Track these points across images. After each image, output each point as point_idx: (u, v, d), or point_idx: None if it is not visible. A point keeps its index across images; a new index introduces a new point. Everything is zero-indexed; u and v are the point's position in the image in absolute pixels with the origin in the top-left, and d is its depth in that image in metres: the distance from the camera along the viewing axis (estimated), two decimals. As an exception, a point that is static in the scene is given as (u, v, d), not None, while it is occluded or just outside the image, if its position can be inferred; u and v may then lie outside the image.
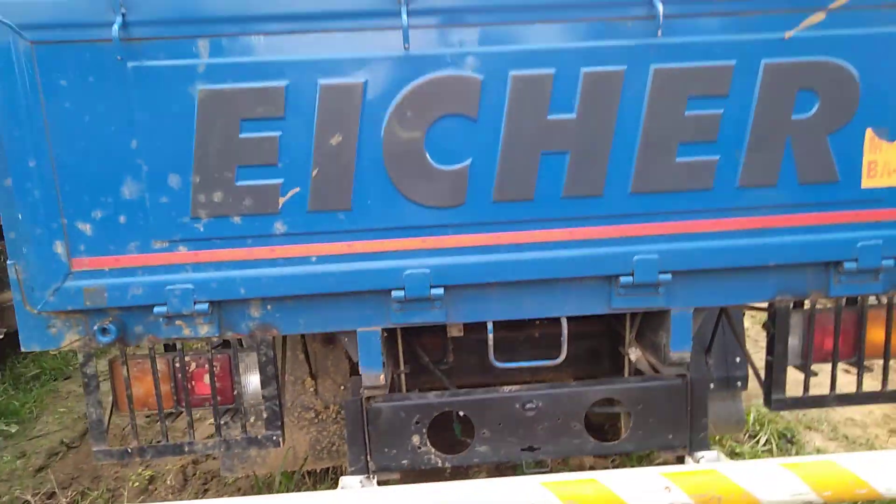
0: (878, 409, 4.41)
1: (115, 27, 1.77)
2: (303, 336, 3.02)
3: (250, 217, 1.94)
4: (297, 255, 1.98)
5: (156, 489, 3.96)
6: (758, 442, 4.13)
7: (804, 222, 2.05)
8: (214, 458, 4.14)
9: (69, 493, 3.89)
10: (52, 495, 3.89)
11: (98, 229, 1.91)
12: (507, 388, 2.23)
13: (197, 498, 3.84)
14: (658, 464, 2.48)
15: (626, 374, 2.62)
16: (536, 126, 1.95)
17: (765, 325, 2.32)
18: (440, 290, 2.01)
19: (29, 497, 3.81)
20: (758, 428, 4.27)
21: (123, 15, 1.78)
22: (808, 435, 4.32)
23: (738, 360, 3.00)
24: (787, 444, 4.20)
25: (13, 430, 4.66)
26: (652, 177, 2.00)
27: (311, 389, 3.22)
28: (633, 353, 2.51)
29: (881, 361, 2.32)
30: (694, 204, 2.03)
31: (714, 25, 1.94)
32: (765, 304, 2.39)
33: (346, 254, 1.99)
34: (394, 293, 2.00)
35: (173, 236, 1.94)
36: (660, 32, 1.87)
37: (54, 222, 1.89)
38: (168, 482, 4.01)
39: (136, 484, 4.00)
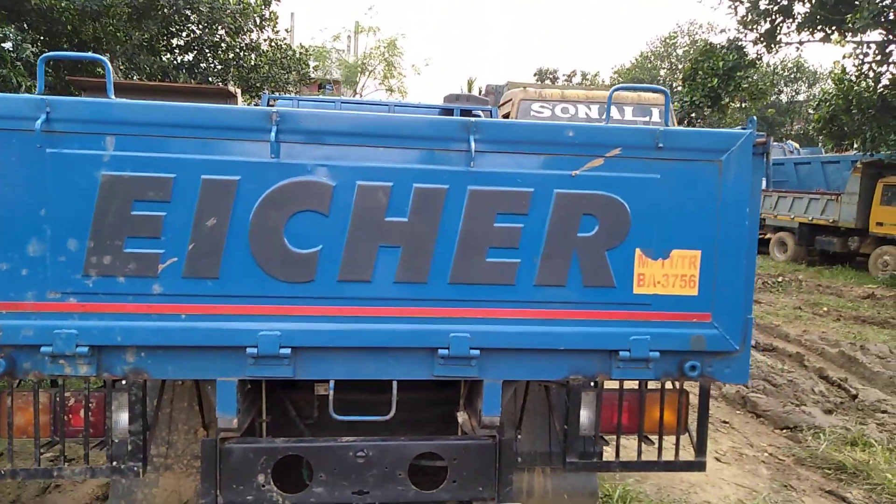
0: (733, 495, 4.86)
1: (39, 122, 2.24)
2: (198, 389, 3.37)
3: (133, 278, 2.37)
4: (170, 312, 2.40)
5: (44, 531, 4.12)
6: (617, 521, 4.51)
7: (587, 316, 2.57)
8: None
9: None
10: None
11: (2, 278, 2.32)
12: (343, 439, 2.63)
13: (82, 540, 4.01)
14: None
15: (458, 433, 3.04)
16: (376, 224, 2.45)
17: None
18: (288, 350, 2.44)
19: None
20: (622, 504, 4.66)
21: (48, 113, 2.27)
22: (669, 516, 4.72)
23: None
24: (645, 523, 4.58)
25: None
26: (466, 271, 2.50)
27: (202, 439, 3.52)
28: (461, 417, 2.95)
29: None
30: (499, 295, 2.53)
31: (518, 161, 2.51)
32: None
33: (211, 314, 2.42)
34: (248, 349, 2.42)
35: (66, 289, 2.35)
36: (472, 164, 2.43)
37: (-35, 270, 2.29)
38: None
39: (26, 524, 4.16)
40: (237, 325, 2.43)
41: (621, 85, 2.84)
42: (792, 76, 39.76)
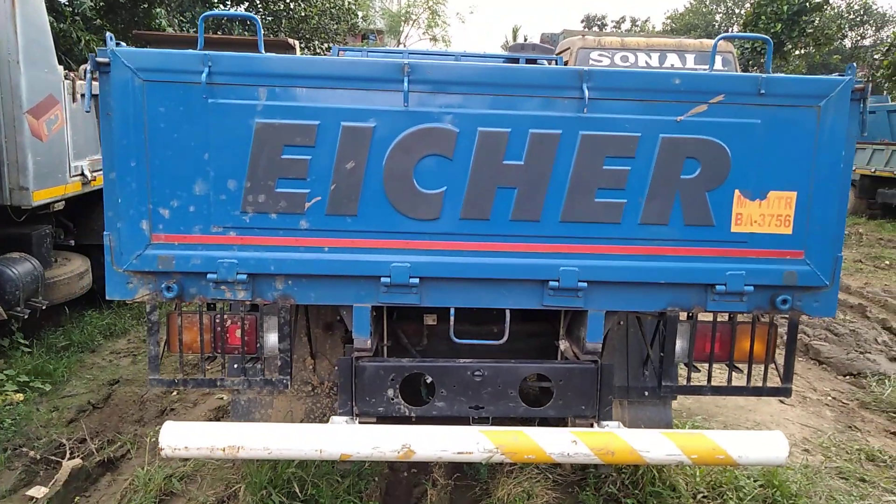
0: (798, 433, 5.08)
1: (203, 75, 2.54)
2: (307, 322, 3.75)
3: (283, 214, 2.69)
4: (315, 245, 2.72)
5: (169, 445, 4.64)
6: (687, 450, 4.80)
7: (687, 252, 2.79)
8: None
9: (96, 441, 4.57)
10: (83, 441, 4.57)
11: (173, 214, 2.66)
12: (461, 360, 2.95)
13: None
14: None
15: (558, 358, 3.34)
16: (494, 167, 2.70)
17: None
18: (416, 280, 2.74)
19: (64, 440, 4.50)
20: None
21: (209, 67, 2.56)
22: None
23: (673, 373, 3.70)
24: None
25: (47, 389, 5.36)
26: (576, 210, 2.74)
27: (311, 367, 3.92)
28: (563, 344, 3.23)
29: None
30: (606, 232, 2.77)
31: (626, 107, 2.70)
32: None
33: (350, 247, 2.74)
34: (382, 279, 2.74)
35: (227, 223, 2.68)
36: (585, 110, 2.64)
37: (143, 206, 2.64)
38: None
39: (153, 438, 4.69)
40: (372, 257, 2.73)
41: (726, 34, 2.98)
42: (858, 19, 37.72)
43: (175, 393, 5.45)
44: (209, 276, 2.69)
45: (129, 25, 15.53)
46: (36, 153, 5.22)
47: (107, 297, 2.77)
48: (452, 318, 2.89)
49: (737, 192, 2.75)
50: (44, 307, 5.66)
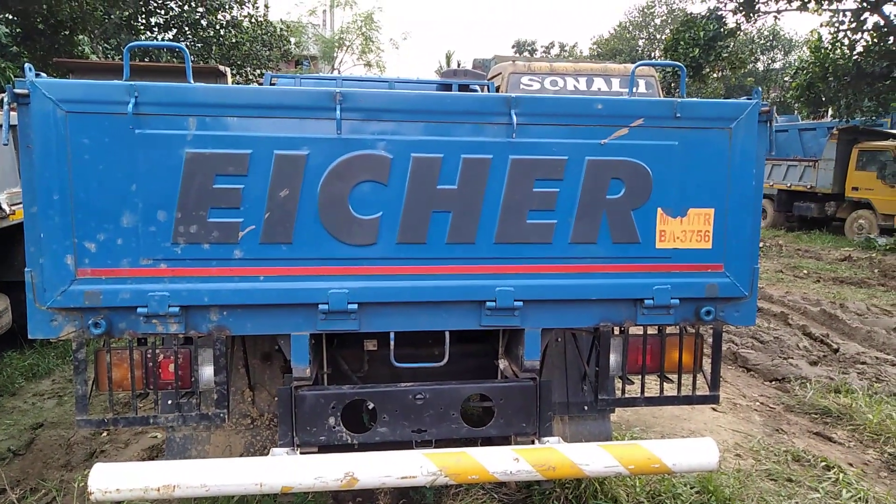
0: (730, 439, 5.29)
1: (130, 105, 2.50)
2: (244, 353, 3.68)
3: (216, 244, 2.65)
4: (250, 274, 2.69)
5: (99, 489, 4.41)
6: (627, 461, 4.93)
7: (616, 269, 2.91)
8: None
9: (17, 491, 4.31)
10: (1, 491, 4.29)
11: (100, 247, 2.58)
12: (401, 384, 2.96)
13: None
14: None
15: (497, 377, 3.39)
16: (429, 192, 2.75)
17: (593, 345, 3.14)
18: (355, 306, 2.75)
19: (-20, 493, 4.21)
20: (630, 451, 5.08)
21: (136, 97, 2.52)
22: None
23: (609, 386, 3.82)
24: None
25: (-37, 435, 5.02)
26: (509, 232, 2.82)
27: (249, 399, 3.83)
28: (502, 363, 3.29)
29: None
30: (539, 252, 2.85)
31: (553, 132, 2.81)
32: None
33: (286, 275, 2.72)
34: (320, 306, 2.73)
35: (157, 256, 2.62)
36: (514, 135, 2.73)
37: (67, 241, 2.55)
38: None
39: (82, 483, 4.45)
40: (310, 284, 2.72)
41: (644, 62, 3.15)
42: (768, 44, 40.29)
43: (105, 434, 5.21)
44: (139, 310, 2.62)
45: (50, 53, 14.96)
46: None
47: (29, 337, 2.65)
48: (393, 343, 2.90)
49: (659, 210, 2.89)
50: None
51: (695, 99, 2.96)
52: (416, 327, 2.88)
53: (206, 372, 2.86)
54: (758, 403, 6.10)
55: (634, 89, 9.31)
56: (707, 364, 3.22)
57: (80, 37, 15.71)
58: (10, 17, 14.70)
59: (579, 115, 2.81)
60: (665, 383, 3.16)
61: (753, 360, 7.05)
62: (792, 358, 7.16)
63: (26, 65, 2.51)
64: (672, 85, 20.28)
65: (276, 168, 2.64)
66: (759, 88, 3.00)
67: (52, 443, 5.07)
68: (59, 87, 2.49)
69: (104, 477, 2.61)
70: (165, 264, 2.64)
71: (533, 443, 3.03)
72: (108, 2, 16.02)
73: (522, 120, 2.75)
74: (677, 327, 3.10)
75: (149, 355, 2.80)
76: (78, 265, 2.58)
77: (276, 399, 3.85)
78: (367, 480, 2.73)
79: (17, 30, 15.08)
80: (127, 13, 17.18)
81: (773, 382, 6.62)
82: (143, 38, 18.82)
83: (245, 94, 2.63)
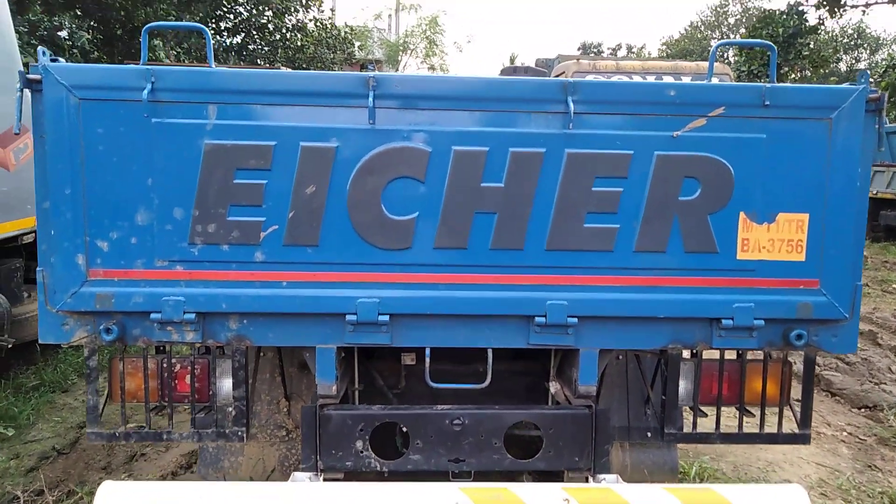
0: (814, 474, 4.73)
1: (145, 92, 2.28)
2: (280, 361, 3.45)
3: (236, 246, 2.40)
4: (272, 280, 2.44)
5: (135, 494, 4.29)
6: (694, 494, 4.43)
7: (688, 283, 2.50)
8: (193, 472, 4.49)
9: (55, 493, 4.23)
10: (40, 493, 4.22)
11: (113, 247, 2.38)
12: (439, 406, 2.64)
13: None
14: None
15: (549, 403, 3.02)
16: (472, 190, 2.42)
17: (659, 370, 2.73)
18: (386, 317, 2.45)
19: (19, 493, 4.15)
20: (698, 482, 4.58)
21: (153, 83, 2.30)
22: (745, 492, 4.62)
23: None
24: (723, 498, 4.50)
25: (10, 434, 5.02)
26: (563, 237, 2.46)
27: (285, 410, 3.61)
28: (553, 387, 2.92)
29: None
30: (597, 262, 2.48)
31: (617, 122, 2.44)
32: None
33: (311, 281, 2.45)
34: (348, 317, 2.44)
35: (173, 257, 2.40)
36: (570, 126, 2.37)
37: (79, 239, 2.36)
38: (150, 488, 4.34)
39: (117, 489, 4.34)
40: (337, 292, 2.44)
41: (725, 41, 2.73)
42: (852, 42, 37.94)
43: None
44: (153, 315, 2.40)
45: (127, 56, 15.49)
46: (1, 183, 4.96)
47: (40, 341, 2.48)
48: (428, 360, 2.58)
49: (742, 214, 2.47)
50: (9, 346, 5.34)
51: (788, 84, 2.52)
52: (455, 343, 2.56)
53: (225, 385, 2.62)
54: (845, 433, 5.46)
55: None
56: (796, 396, 2.75)
57: (155, 42, 16.21)
58: (92, 23, 15.32)
59: (648, 102, 2.43)
60: (745, 417, 2.71)
61: (839, 384, 6.38)
62: (884, 383, 6.44)
63: (39, 48, 2.33)
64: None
65: (301, 162, 2.37)
66: (868, 72, 2.53)
67: (96, 443, 5.00)
68: (73, 71, 2.30)
69: (111, 498, 2.40)
70: (181, 266, 2.41)
71: (587, 480, 2.65)
72: (181, 8, 16.50)
73: (581, 108, 2.39)
74: (761, 353, 2.66)
75: (164, 365, 2.58)
76: (90, 265, 2.38)
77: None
78: (397, 515, 2.42)
79: (98, 36, 15.71)
80: (198, 17, 17.62)
81: (863, 410, 5.94)
82: (214, 42, 19.31)
83: (269, 80, 2.37)
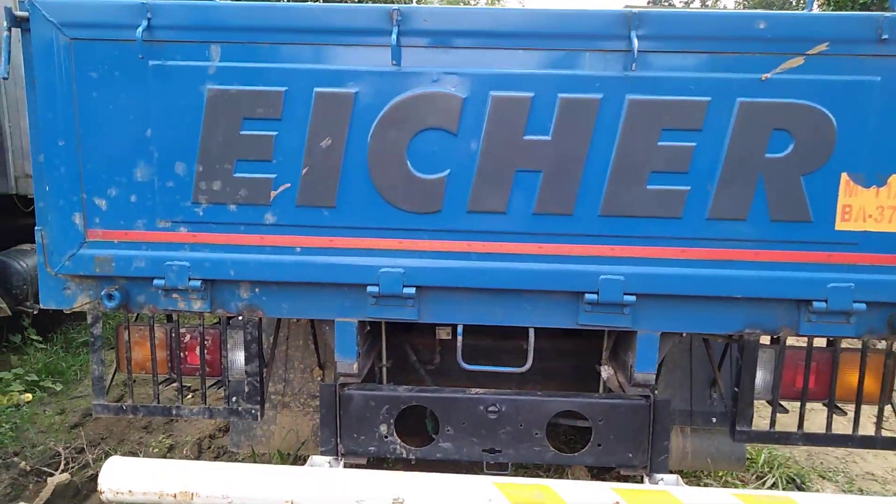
0: (902, 467, 4.23)
1: (140, 30, 2.00)
2: (313, 327, 3.22)
3: (244, 206, 2.13)
4: (284, 245, 2.16)
5: (172, 457, 4.24)
6: (763, 484, 4.03)
7: (774, 258, 2.08)
8: (226, 433, 4.40)
9: (96, 451, 4.21)
10: (81, 451, 4.22)
11: (112, 205, 2.15)
12: (472, 390, 2.33)
13: (206, 469, 4.09)
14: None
15: (599, 391, 2.67)
16: (512, 144, 2.06)
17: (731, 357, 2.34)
18: (412, 290, 2.14)
19: (60, 449, 4.15)
20: (767, 470, 4.17)
21: (149, 19, 2.02)
22: (821, 484, 4.18)
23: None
24: (796, 490, 4.08)
25: (58, 388, 5.07)
26: (622, 201, 2.07)
27: (319, 379, 3.40)
28: (605, 371, 2.57)
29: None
30: (662, 230, 2.09)
31: (691, 63, 2.01)
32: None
33: (327, 247, 2.16)
34: (369, 288, 2.15)
35: (175, 217, 2.15)
36: (633, 66, 1.96)
37: (75, 196, 2.14)
38: (185, 452, 4.28)
39: (156, 450, 4.30)
40: (356, 260, 2.15)
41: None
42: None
43: (189, 395, 5.07)
44: (156, 282, 2.17)
45: None
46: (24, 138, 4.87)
47: (41, 306, 2.30)
48: (460, 339, 2.28)
49: (844, 176, 2.02)
50: (35, 311, 5.34)
51: (913, 12, 2.01)
52: (491, 321, 2.24)
53: (238, 359, 2.40)
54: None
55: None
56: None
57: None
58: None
59: (731, 37, 1.99)
60: (834, 415, 2.30)
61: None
62: None
63: (29, -19, 2.07)
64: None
65: (316, 110, 2.06)
66: None
67: (139, 401, 4.96)
68: (62, 7, 2.04)
69: (117, 475, 2.23)
70: (185, 228, 2.16)
71: (641, 480, 2.31)
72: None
73: (647, 45, 1.97)
74: (859, 341, 2.22)
75: (173, 335, 2.37)
76: (87, 225, 2.17)
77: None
78: (421, 509, 2.16)
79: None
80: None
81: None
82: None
83: (279, 14, 2.05)
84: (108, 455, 4.16)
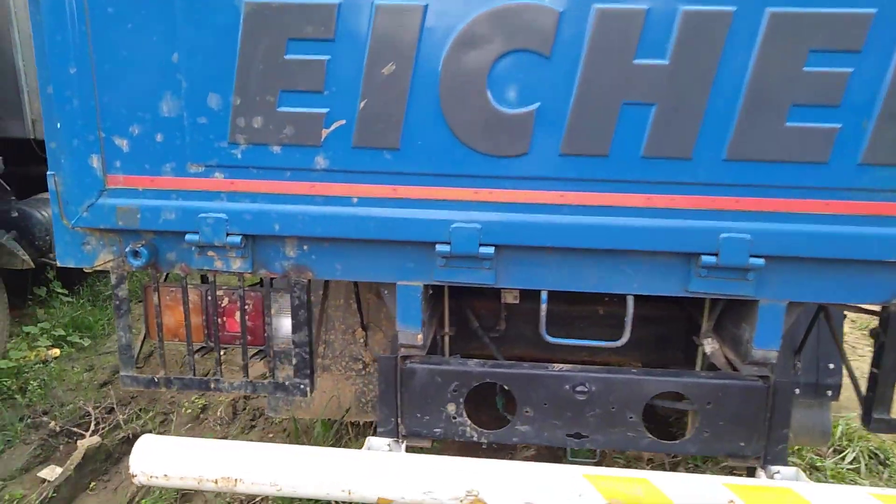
0: None
1: (161, -74, 1.62)
2: (356, 285, 2.91)
3: (290, 147, 1.78)
4: (337, 195, 1.81)
5: (206, 419, 4.03)
6: (843, 458, 3.70)
7: (942, 214, 1.68)
8: (264, 396, 4.17)
9: (126, 411, 4.02)
10: (111, 410, 4.03)
11: (134, 146, 1.81)
12: (557, 367, 2.00)
13: (243, 433, 3.88)
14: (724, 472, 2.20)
15: (698, 368, 2.32)
16: (619, 71, 1.66)
17: (872, 332, 1.96)
18: (490, 249, 1.79)
19: (90, 409, 3.96)
20: (846, 443, 3.83)
21: (171, -89, 1.63)
22: (907, 459, 3.85)
23: (831, 366, 2.62)
24: (879, 466, 3.74)
25: (86, 344, 4.87)
26: (754, 142, 1.67)
27: (362, 341, 3.11)
28: (709, 346, 2.21)
29: None
30: (803, 179, 1.69)
31: (855, -39, 1.57)
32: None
33: (389, 198, 1.80)
34: (438, 247, 1.80)
35: (209, 161, 1.81)
36: (783, -35, 1.53)
37: (91, 134, 1.80)
38: (218, 413, 4.07)
39: (189, 411, 4.09)
40: (424, 213, 1.80)
41: None
42: None
43: (224, 353, 4.84)
44: (189, 237, 1.85)
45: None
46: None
47: (58, 264, 2.00)
48: (545, 309, 1.93)
49: None
50: (58, 262, 5.11)
51: None
52: (583, 287, 1.88)
53: (283, 325, 2.08)
54: None
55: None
56: None
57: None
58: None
59: None
60: None
61: None
62: None
63: None
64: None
65: (376, 29, 1.68)
66: None
67: (171, 357, 4.75)
68: None
69: (150, 456, 1.96)
70: (221, 173, 1.82)
71: (754, 472, 1.98)
72: None
73: (801, -61, 1.54)
74: None
75: (209, 298, 2.06)
76: (107, 170, 1.83)
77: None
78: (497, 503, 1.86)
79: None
80: None
81: None
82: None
83: None
84: (138, 416, 3.97)
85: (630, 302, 1.91)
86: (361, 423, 3.64)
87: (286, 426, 3.94)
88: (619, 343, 1.95)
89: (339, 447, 3.38)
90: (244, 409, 4.16)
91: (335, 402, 3.16)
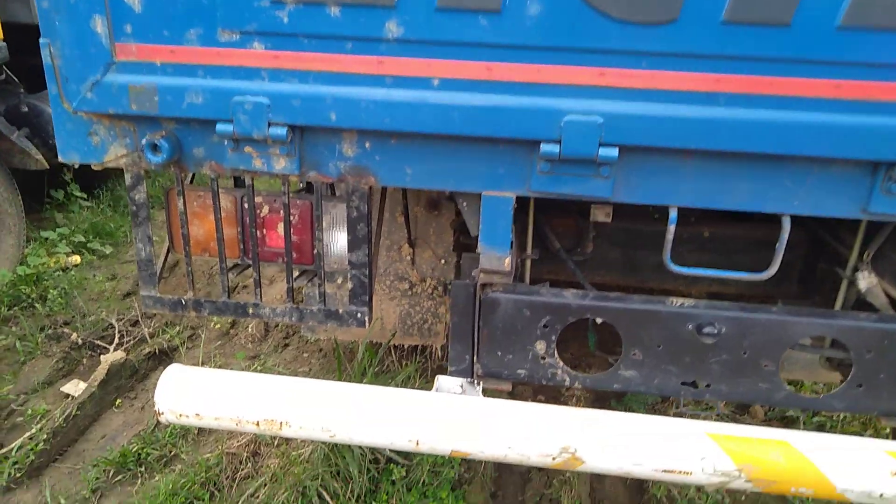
0: None
1: None
2: (404, 196, 2.52)
3: (354, 8, 1.33)
4: (413, 74, 1.37)
5: (236, 334, 3.77)
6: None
7: None
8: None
9: (152, 324, 3.77)
10: (135, 323, 3.78)
11: (149, 4, 1.37)
12: (678, 302, 1.61)
13: (276, 352, 3.62)
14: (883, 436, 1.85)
15: (839, 306, 1.92)
16: None
17: None
18: (612, 151, 1.36)
19: (114, 321, 3.71)
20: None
21: None
22: None
23: None
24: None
25: (107, 252, 4.59)
26: None
27: (408, 258, 2.77)
28: (864, 280, 1.79)
29: None
30: None
31: None
32: None
33: (482, 80, 1.36)
34: (544, 147, 1.38)
35: (246, 26, 1.37)
36: None
37: (93, -13, 1.36)
38: (250, 330, 3.80)
39: (218, 325, 3.83)
40: (528, 101, 1.36)
41: None
42: None
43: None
44: (220, 127, 1.44)
45: None
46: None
47: (60, 158, 1.61)
48: (672, 230, 1.52)
49: None
50: (76, 165, 4.73)
51: None
52: (726, 204, 1.46)
53: (338, 242, 1.70)
54: None
55: None
56: None
57: None
58: None
59: None
60: None
61: None
62: None
63: None
64: None
65: None
66: None
67: (199, 267, 4.45)
68: None
69: (179, 391, 1.64)
70: (262, 43, 1.38)
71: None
72: None
73: None
74: None
75: (245, 205, 1.67)
76: (115, 37, 1.40)
77: (442, 263, 2.75)
78: (597, 464, 1.54)
79: None
80: None
81: None
82: None
83: None
84: (164, 330, 3.71)
85: (786, 224, 1.49)
86: (406, 347, 3.35)
87: (322, 346, 3.67)
88: (765, 275, 1.54)
89: (382, 374, 3.13)
90: (276, 325, 3.88)
91: (378, 323, 2.86)
